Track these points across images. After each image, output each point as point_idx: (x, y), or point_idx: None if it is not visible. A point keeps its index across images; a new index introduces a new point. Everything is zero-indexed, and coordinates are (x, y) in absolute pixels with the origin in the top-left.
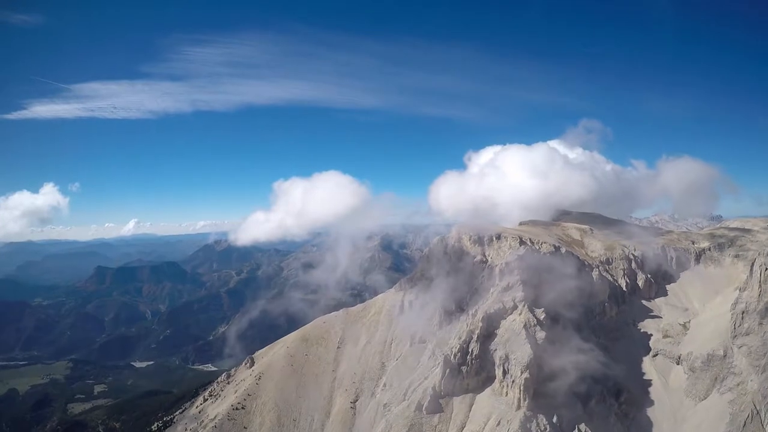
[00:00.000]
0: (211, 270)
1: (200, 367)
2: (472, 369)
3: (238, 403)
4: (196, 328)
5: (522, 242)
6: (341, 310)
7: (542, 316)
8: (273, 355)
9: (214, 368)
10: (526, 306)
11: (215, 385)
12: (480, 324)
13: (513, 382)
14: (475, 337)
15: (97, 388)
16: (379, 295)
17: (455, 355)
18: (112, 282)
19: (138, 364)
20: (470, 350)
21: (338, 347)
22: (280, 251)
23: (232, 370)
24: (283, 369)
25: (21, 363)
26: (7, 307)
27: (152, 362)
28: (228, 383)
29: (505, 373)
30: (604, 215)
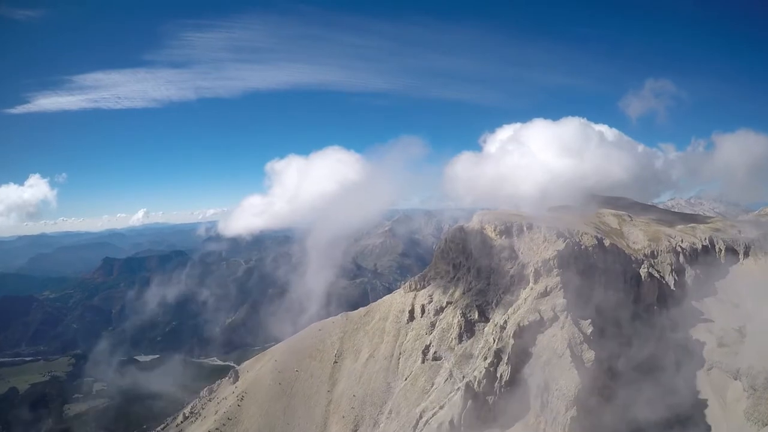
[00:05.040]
0: (220, 259)
1: (205, 360)
2: (501, 398)
3: (216, 429)
4: (203, 319)
5: (560, 234)
6: (340, 315)
7: (589, 330)
8: (259, 369)
9: (219, 362)
10: (569, 317)
11: (197, 400)
12: (511, 341)
13: (554, 419)
14: (505, 358)
15: (96, 387)
16: (385, 297)
17: (479, 382)
18: (120, 273)
19: (142, 358)
20: (499, 375)
21: (335, 362)
22: (289, 237)
23: (215, 384)
24: (270, 387)
25: (26, 359)
26: (15, 301)
27: (157, 356)
28: (209, 400)
29: (543, 405)
30: (634, 200)
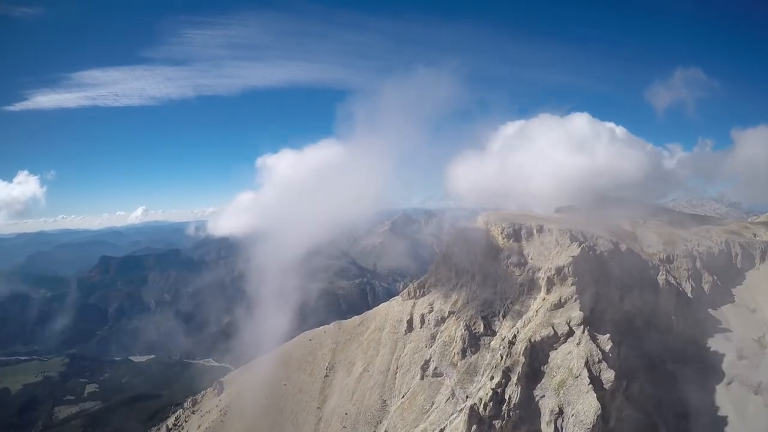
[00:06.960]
0: (219, 257)
1: (201, 361)
2: (509, 423)
3: None
4: (200, 319)
5: (573, 238)
6: (332, 324)
7: (608, 347)
8: (245, 381)
9: (214, 363)
10: (586, 332)
11: (181, 411)
12: (521, 358)
13: None
14: (514, 378)
15: (89, 388)
16: (382, 305)
17: (485, 405)
18: (117, 272)
19: (137, 359)
20: (507, 397)
21: (326, 375)
22: (285, 235)
23: (199, 395)
24: (255, 402)
25: (21, 358)
26: (11, 300)
27: (152, 356)
28: (193, 412)
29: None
30: (642, 201)
